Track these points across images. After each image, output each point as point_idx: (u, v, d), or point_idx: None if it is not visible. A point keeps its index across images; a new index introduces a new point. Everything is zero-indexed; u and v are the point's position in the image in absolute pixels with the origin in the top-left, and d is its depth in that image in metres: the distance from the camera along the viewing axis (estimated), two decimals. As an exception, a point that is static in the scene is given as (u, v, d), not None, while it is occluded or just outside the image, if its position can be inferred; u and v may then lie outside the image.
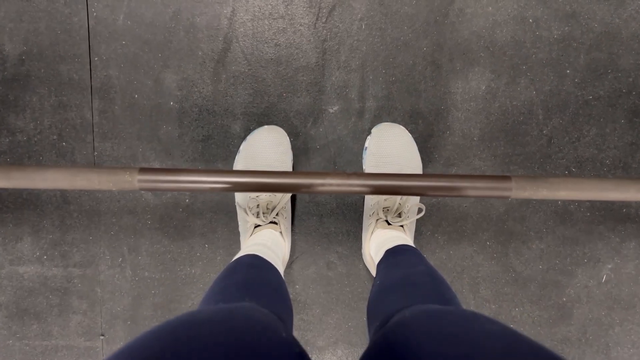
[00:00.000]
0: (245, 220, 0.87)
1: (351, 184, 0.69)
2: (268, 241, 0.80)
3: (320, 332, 1.01)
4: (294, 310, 0.99)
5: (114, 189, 0.69)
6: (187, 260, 0.98)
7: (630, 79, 0.90)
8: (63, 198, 0.95)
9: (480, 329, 0.41)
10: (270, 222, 0.85)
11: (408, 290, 0.64)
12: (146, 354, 0.33)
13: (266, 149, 0.85)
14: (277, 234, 0.84)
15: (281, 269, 0.79)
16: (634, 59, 0.90)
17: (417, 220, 0.94)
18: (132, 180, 0.68)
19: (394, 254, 0.77)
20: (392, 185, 0.69)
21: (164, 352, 0.33)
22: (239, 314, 0.43)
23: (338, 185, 0.69)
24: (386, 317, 0.57)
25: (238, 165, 0.88)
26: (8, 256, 0.98)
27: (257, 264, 0.71)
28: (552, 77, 0.90)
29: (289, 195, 0.87)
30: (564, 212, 0.96)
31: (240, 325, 0.40)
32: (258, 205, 0.84)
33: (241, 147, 0.88)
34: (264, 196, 0.84)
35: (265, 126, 0.88)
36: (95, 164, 0.93)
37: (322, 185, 0.69)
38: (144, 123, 0.92)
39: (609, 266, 0.98)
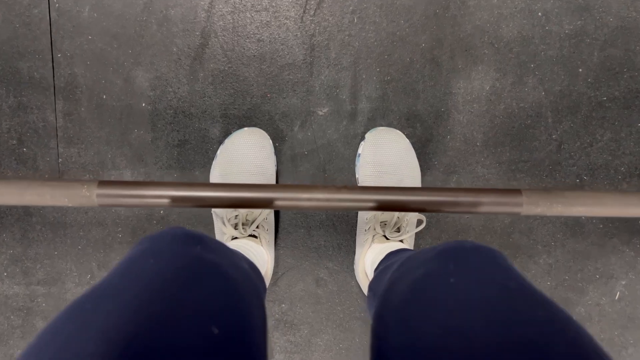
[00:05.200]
0: (222, 232, 0.79)
1: (341, 199, 0.61)
2: (247, 245, 0.73)
3: (309, 354, 0.93)
4: (281, 332, 0.92)
5: (69, 205, 0.61)
6: (163, 276, 0.89)
7: (648, 79, 0.83)
8: (24, 209, 0.87)
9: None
10: (250, 236, 0.76)
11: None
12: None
13: (246, 153, 0.77)
14: (258, 245, 0.77)
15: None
16: (653, 57, 0.82)
17: (416, 233, 0.86)
18: (91, 195, 0.60)
19: (392, 255, 0.71)
20: (388, 201, 0.61)
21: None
22: None
23: (327, 200, 0.61)
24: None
25: (214, 171, 0.80)
26: (-36, 273, 0.89)
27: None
28: (562, 77, 0.83)
29: (272, 207, 0.79)
30: (574, 224, 0.88)
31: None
32: (237, 216, 0.75)
33: (218, 151, 0.80)
34: (243, 209, 0.76)
35: (246, 128, 0.79)
36: (60, 172, 0.84)
37: (309, 200, 0.61)
38: (114, 126, 0.83)
39: (623, 282, 0.91)
